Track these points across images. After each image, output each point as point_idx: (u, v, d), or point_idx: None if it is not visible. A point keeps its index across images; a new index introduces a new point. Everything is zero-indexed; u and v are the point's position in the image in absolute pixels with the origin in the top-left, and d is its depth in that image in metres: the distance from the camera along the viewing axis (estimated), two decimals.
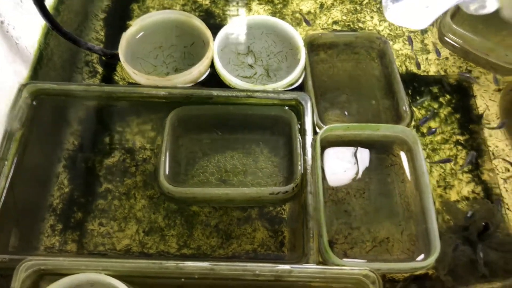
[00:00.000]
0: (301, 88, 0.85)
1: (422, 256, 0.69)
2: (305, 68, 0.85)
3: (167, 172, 0.74)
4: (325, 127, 0.75)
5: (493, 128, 0.86)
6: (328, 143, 0.78)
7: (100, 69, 0.94)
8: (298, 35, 0.88)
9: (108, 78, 0.92)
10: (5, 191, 0.73)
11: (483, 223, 0.72)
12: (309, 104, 0.79)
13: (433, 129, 0.82)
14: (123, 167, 0.82)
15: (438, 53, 0.92)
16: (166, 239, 0.76)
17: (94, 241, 0.76)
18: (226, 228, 0.77)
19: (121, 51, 0.82)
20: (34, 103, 0.81)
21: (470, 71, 0.94)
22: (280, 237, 0.76)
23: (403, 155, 0.78)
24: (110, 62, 0.90)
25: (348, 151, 0.79)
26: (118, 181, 0.81)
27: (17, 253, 0.70)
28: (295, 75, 0.82)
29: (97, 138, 0.85)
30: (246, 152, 0.81)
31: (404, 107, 0.81)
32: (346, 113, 0.85)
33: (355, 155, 0.78)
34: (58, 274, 0.64)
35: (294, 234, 0.74)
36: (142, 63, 0.87)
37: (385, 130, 0.76)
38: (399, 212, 0.74)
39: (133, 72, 0.80)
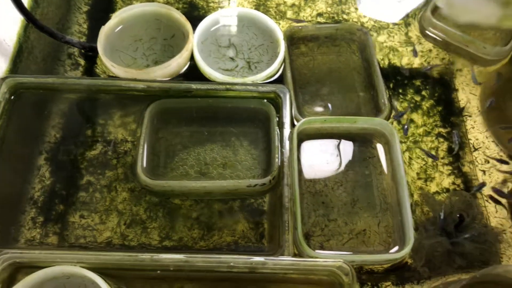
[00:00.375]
0: (280, 81, 0.85)
1: (396, 248, 0.69)
2: (284, 61, 0.85)
3: (144, 165, 0.74)
4: (302, 120, 0.75)
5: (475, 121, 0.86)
6: (306, 135, 0.79)
7: (82, 62, 0.93)
8: (278, 28, 0.87)
9: (90, 71, 0.92)
10: None
11: (457, 215, 0.73)
12: (287, 97, 0.79)
13: (406, 127, 0.83)
14: (104, 160, 0.82)
15: (415, 53, 0.92)
16: (148, 231, 0.77)
17: (75, 234, 0.76)
18: (207, 220, 0.78)
19: (100, 44, 0.82)
20: (12, 97, 0.81)
21: (452, 63, 0.94)
22: (261, 229, 0.76)
23: (381, 148, 0.78)
24: (89, 55, 0.90)
25: (326, 143, 0.79)
26: (100, 173, 0.81)
27: None
28: (274, 68, 0.82)
29: (78, 131, 0.85)
30: (226, 144, 0.81)
31: (383, 100, 0.82)
32: (326, 106, 0.85)
33: (333, 147, 0.79)
34: (34, 267, 0.64)
35: (272, 226, 0.75)
36: (122, 56, 0.87)
37: (362, 123, 0.76)
38: (376, 204, 0.75)
39: (111, 65, 0.80)
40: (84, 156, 0.83)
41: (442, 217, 0.76)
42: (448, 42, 0.92)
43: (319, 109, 0.85)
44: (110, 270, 0.65)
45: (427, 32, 0.93)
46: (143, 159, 0.74)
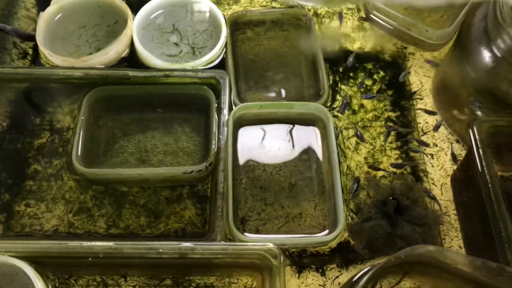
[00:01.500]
0: (222, 66, 0.84)
1: (327, 231, 0.70)
2: (226, 46, 0.84)
3: (79, 153, 0.74)
4: (239, 106, 0.75)
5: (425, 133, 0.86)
6: (246, 121, 0.79)
7: (30, 51, 0.92)
8: (220, 13, 0.87)
9: (37, 60, 0.91)
10: None
11: (391, 197, 0.74)
12: (227, 83, 0.78)
13: (344, 102, 0.83)
14: (51, 148, 0.82)
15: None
16: (95, 219, 0.77)
17: (21, 223, 0.76)
18: (154, 207, 0.78)
19: (39, 32, 0.81)
20: None
21: (405, 48, 0.94)
22: (205, 215, 0.77)
23: (318, 132, 0.79)
24: (28, 43, 0.89)
25: (265, 128, 0.79)
26: (46, 162, 0.81)
27: None
28: (214, 53, 0.82)
29: (24, 120, 0.85)
30: (168, 131, 0.81)
31: (323, 85, 0.82)
32: (270, 91, 0.85)
33: (272, 132, 0.79)
34: None
35: (211, 212, 0.75)
36: (64, 44, 0.86)
37: (299, 108, 0.76)
38: (313, 188, 0.75)
39: (48, 54, 0.79)
40: (31, 145, 0.83)
41: (383, 200, 0.77)
42: (392, 26, 0.91)
43: (263, 94, 0.85)
44: (40, 258, 0.65)
45: (372, 16, 0.93)
46: (78, 147, 0.74)
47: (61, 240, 0.69)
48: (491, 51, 0.79)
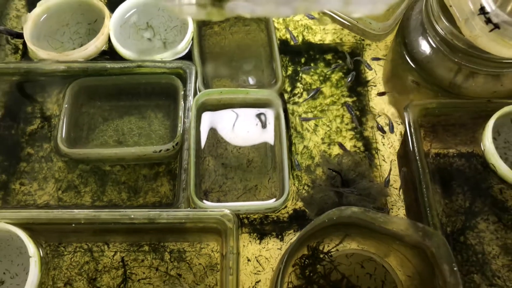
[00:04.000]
0: (190, 58, 0.95)
1: (275, 199, 0.82)
2: (193, 40, 0.95)
3: (63, 136, 0.86)
4: (201, 92, 0.86)
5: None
6: (210, 106, 0.90)
7: (21, 47, 1.03)
8: None
9: (27, 55, 1.02)
10: None
11: (331, 169, 0.85)
12: (193, 72, 0.89)
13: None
14: (42, 134, 0.94)
15: (293, 38, 1.01)
16: (81, 194, 0.88)
17: (17, 199, 0.88)
18: (134, 184, 0.90)
19: (26, 30, 0.92)
20: None
21: (363, 40, 1.04)
22: (178, 190, 0.88)
23: (272, 115, 0.90)
24: (20, 41, 1.00)
25: (227, 112, 0.90)
26: (38, 146, 0.93)
27: None
28: (181, 46, 0.93)
29: (17, 109, 0.96)
30: (142, 117, 0.92)
31: (277, 75, 0.92)
32: (234, 79, 0.96)
33: (233, 116, 0.90)
34: None
35: (178, 185, 0.87)
36: (50, 40, 0.97)
37: (254, 94, 0.87)
38: (267, 163, 0.86)
39: (36, 49, 0.90)
40: (24, 131, 0.94)
41: (332, 174, 0.88)
42: (344, 19, 1.01)
43: (228, 82, 0.96)
44: (31, 225, 0.77)
45: (325, 10, 1.03)
46: (62, 131, 0.85)
47: (41, 209, 0.81)
48: (427, 40, 0.90)
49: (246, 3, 0.28)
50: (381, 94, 0.99)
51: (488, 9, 0.72)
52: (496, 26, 0.71)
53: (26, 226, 0.77)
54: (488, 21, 0.71)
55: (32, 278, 0.71)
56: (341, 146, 0.90)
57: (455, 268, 0.67)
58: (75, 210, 0.76)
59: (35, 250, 0.74)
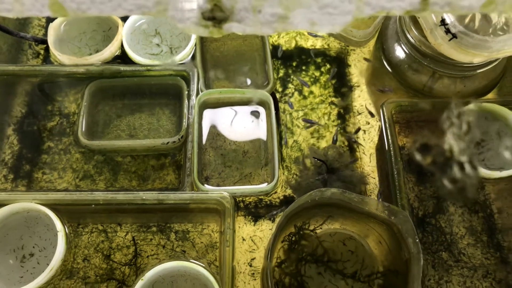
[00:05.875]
0: (193, 62, 1.08)
1: (266, 183, 0.94)
2: (196, 46, 1.08)
3: (83, 130, 0.98)
4: (203, 92, 0.98)
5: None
6: (211, 104, 1.02)
7: (42, 52, 1.16)
8: None
9: (48, 59, 1.15)
10: None
11: (316, 158, 0.97)
12: (195, 74, 1.02)
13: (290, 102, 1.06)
14: (61, 129, 1.06)
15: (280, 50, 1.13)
16: (96, 182, 1.01)
17: (39, 185, 1.00)
18: (143, 173, 1.02)
19: (50, 37, 1.05)
20: None
21: (347, 46, 1.16)
22: (183, 176, 1.01)
23: (265, 113, 1.02)
24: (42, 47, 1.12)
25: (226, 110, 1.03)
26: (57, 140, 1.05)
27: None
28: (185, 52, 1.05)
29: (39, 107, 1.09)
30: (151, 113, 1.05)
31: (269, 77, 1.05)
32: (232, 81, 1.08)
33: (231, 113, 1.03)
34: (2, 205, 0.88)
35: (183, 172, 0.99)
36: (69, 46, 1.10)
37: (249, 94, 0.99)
38: (261, 154, 0.99)
39: (58, 54, 1.03)
40: (45, 127, 1.07)
41: (318, 164, 1.01)
42: None
43: (227, 83, 1.08)
44: (58, 205, 0.89)
45: None
46: (82, 125, 0.98)
47: (66, 191, 0.94)
48: (401, 47, 1.03)
49: (239, 24, 0.39)
50: (380, 90, 1.10)
51: (447, 20, 0.85)
52: (454, 35, 0.83)
53: (53, 206, 0.89)
54: (448, 31, 0.84)
55: (60, 249, 0.83)
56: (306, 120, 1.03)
57: (417, 240, 0.79)
58: (94, 192, 0.88)
59: (62, 227, 0.86)
